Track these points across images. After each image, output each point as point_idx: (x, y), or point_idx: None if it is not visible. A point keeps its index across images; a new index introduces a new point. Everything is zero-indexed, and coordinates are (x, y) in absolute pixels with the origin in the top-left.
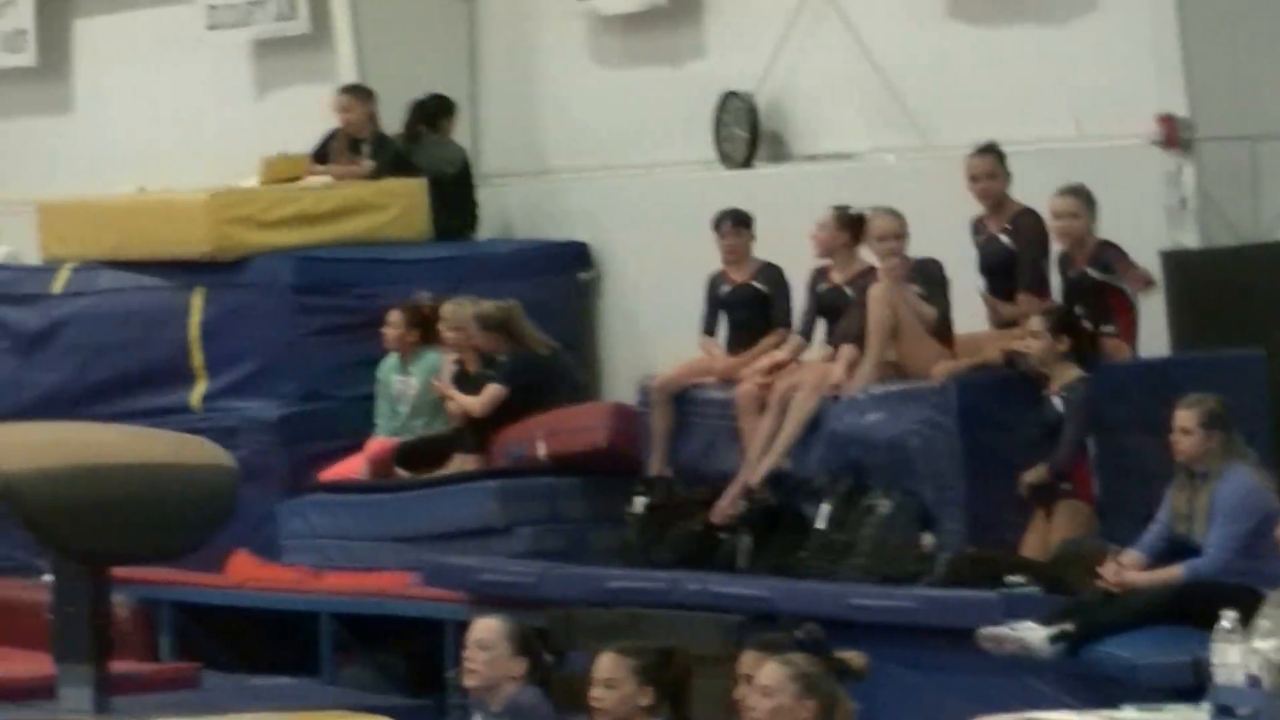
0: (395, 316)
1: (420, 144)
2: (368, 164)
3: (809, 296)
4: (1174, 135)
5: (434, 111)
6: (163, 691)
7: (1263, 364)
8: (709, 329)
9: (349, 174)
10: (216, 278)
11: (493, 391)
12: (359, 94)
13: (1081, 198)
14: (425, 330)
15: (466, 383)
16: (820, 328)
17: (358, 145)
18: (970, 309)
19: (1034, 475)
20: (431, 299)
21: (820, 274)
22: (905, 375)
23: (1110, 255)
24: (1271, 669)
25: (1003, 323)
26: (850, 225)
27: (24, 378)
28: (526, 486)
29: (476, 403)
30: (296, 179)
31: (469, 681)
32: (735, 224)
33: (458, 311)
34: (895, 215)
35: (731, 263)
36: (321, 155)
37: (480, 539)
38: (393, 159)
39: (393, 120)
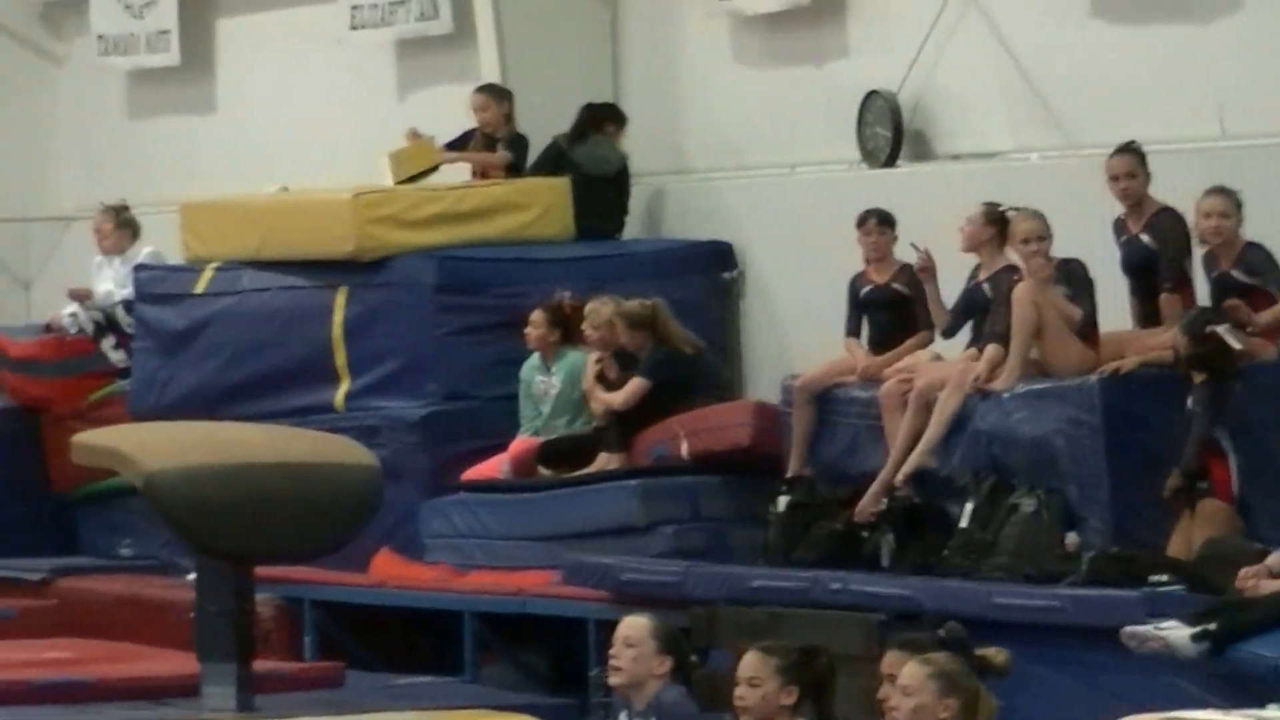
0: (537, 316)
1: (583, 143)
2: (504, 154)
3: (963, 295)
4: None
5: (603, 117)
6: (306, 690)
7: None
8: (852, 330)
9: (484, 161)
10: (359, 277)
11: (635, 385)
12: (495, 93)
13: (1231, 198)
14: (567, 330)
15: (609, 383)
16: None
17: (494, 144)
18: (1113, 308)
19: (1172, 480)
20: (573, 298)
21: (975, 272)
22: (1049, 374)
23: (1257, 256)
24: None
25: (1146, 322)
26: (997, 222)
27: (167, 377)
28: (668, 485)
29: (618, 396)
30: (425, 161)
31: (614, 679)
32: (879, 223)
33: (602, 310)
34: (1038, 216)
35: (874, 263)
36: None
37: (622, 538)
38: (552, 157)
39: (532, 120)
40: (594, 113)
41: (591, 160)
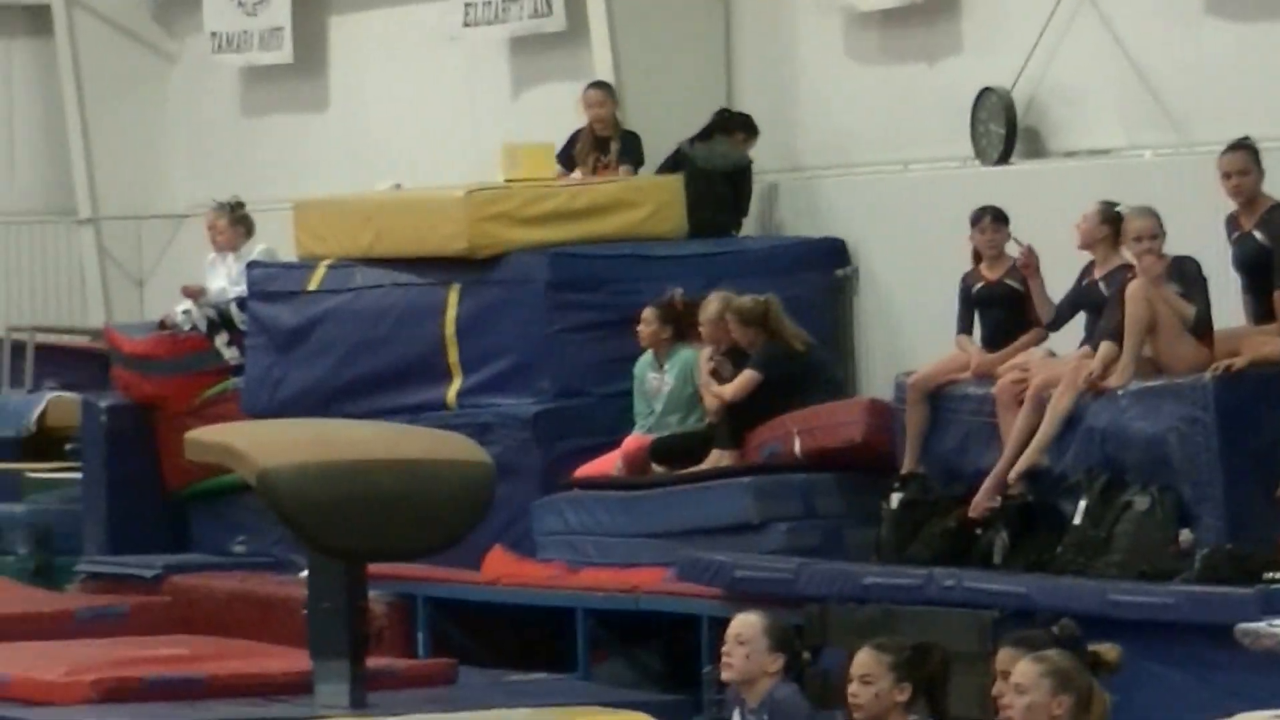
0: (649, 313)
1: (705, 143)
2: (625, 170)
3: (1074, 288)
4: None
5: (735, 125)
6: (419, 688)
7: None
8: (964, 328)
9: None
10: (472, 274)
11: (746, 377)
12: (610, 90)
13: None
14: (680, 327)
15: (722, 380)
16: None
17: (605, 144)
18: (1227, 306)
19: None
20: (685, 295)
21: (1086, 271)
22: (1162, 372)
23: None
24: None
25: (1259, 319)
26: (1111, 220)
27: (280, 374)
28: (782, 483)
29: (729, 388)
30: (540, 168)
31: (726, 676)
32: (994, 220)
33: (712, 306)
34: (1151, 214)
35: (987, 260)
36: (567, 156)
37: (735, 535)
38: (673, 159)
39: (644, 118)
40: (727, 118)
41: (709, 157)
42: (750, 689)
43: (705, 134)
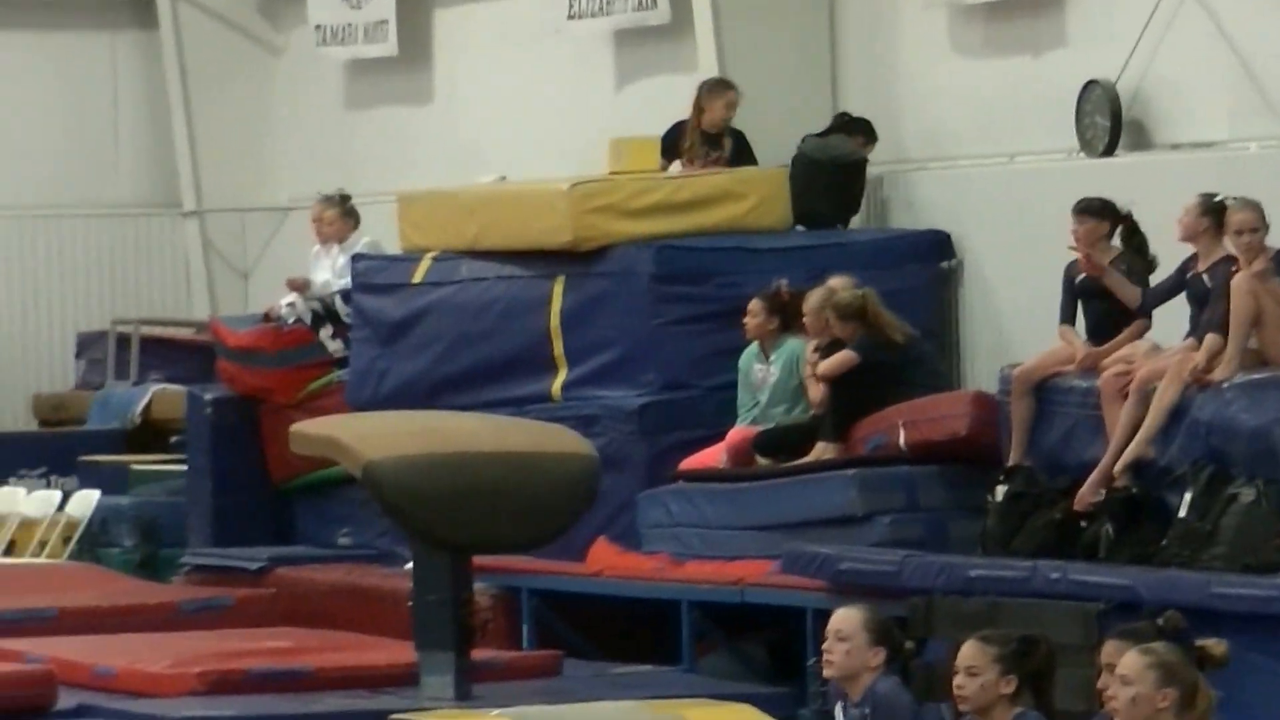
0: (755, 305)
1: (824, 139)
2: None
3: (1174, 276)
4: None
5: (858, 128)
6: (524, 679)
7: None
8: (1066, 317)
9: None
10: (577, 267)
11: (845, 356)
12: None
13: (1258, 210)
14: (785, 319)
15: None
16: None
17: (716, 140)
18: None
19: None
20: (791, 287)
21: (1189, 262)
22: (1267, 364)
23: None
24: None
25: None
26: (1213, 212)
27: (384, 367)
28: (886, 475)
29: (826, 364)
30: (645, 163)
31: (828, 672)
32: (1094, 213)
33: (818, 298)
34: (1254, 206)
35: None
36: (670, 149)
37: (839, 528)
38: (806, 163)
39: (748, 112)
40: (848, 120)
41: (823, 149)
42: (852, 684)
43: (825, 134)
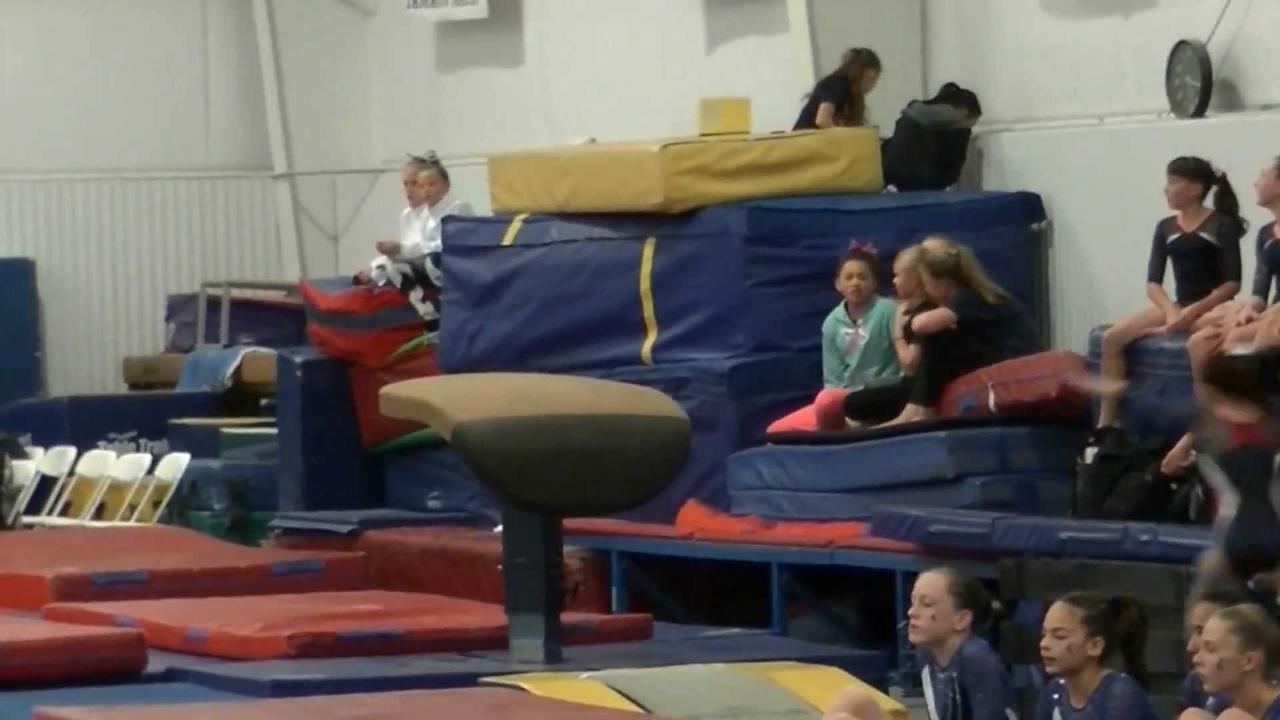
0: (858, 266)
1: (930, 106)
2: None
3: (1258, 255)
4: None
5: (963, 100)
6: (614, 642)
7: None
8: (1154, 275)
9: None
10: (667, 229)
11: (940, 313)
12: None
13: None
14: (876, 280)
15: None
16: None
17: (856, 102)
18: None
19: None
20: (883, 249)
21: (1266, 231)
22: None
23: None
24: None
25: None
26: None
27: (475, 329)
28: (976, 437)
29: (921, 319)
30: (736, 123)
31: (914, 637)
32: (1189, 172)
33: (909, 257)
34: None
35: (1183, 211)
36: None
37: (930, 490)
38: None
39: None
40: (954, 92)
41: (926, 115)
42: (940, 648)
43: (931, 102)
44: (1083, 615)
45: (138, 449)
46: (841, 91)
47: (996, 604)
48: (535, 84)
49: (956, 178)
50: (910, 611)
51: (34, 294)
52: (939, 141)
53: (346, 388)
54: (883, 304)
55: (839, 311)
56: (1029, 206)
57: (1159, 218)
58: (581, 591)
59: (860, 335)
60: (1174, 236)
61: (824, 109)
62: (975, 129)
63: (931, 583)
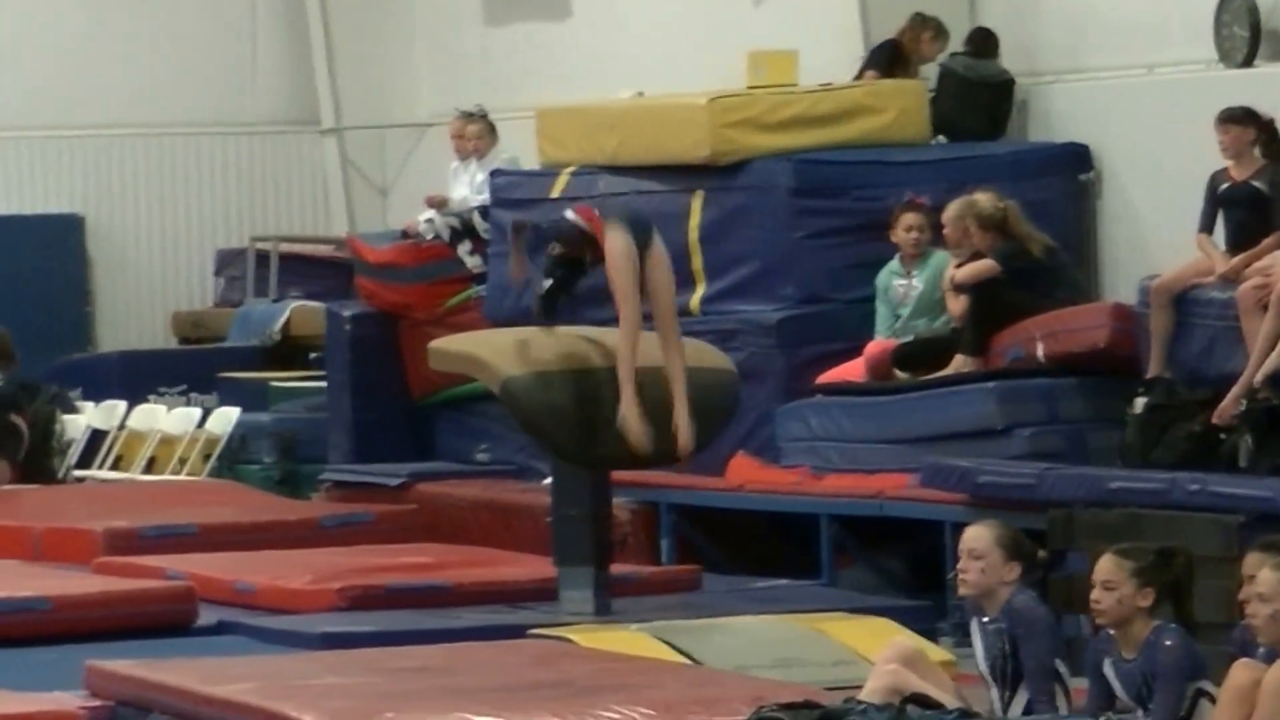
0: (916, 219)
1: (974, 59)
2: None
3: None
4: None
5: (993, 46)
6: (663, 594)
7: None
8: (1205, 226)
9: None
10: (715, 181)
11: (984, 264)
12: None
13: None
14: (927, 232)
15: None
16: None
17: (907, 64)
18: None
19: None
20: (931, 200)
21: None
22: None
23: None
24: None
25: None
26: None
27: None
28: (1025, 388)
29: (964, 270)
30: (783, 76)
31: (963, 590)
32: (1239, 121)
33: (957, 209)
34: None
35: (1235, 161)
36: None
37: (978, 440)
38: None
39: (887, 28)
40: (986, 35)
41: (972, 69)
42: (989, 600)
43: (968, 51)
44: (1132, 567)
45: (187, 403)
46: (888, 58)
47: (1043, 553)
48: (583, 37)
49: (1003, 131)
50: (959, 565)
51: (83, 250)
52: (985, 95)
53: (395, 341)
54: (937, 256)
55: (894, 264)
56: (1076, 157)
57: (1207, 168)
58: (630, 543)
59: (914, 287)
60: (1225, 186)
61: (868, 77)
62: (1023, 80)
63: (979, 536)
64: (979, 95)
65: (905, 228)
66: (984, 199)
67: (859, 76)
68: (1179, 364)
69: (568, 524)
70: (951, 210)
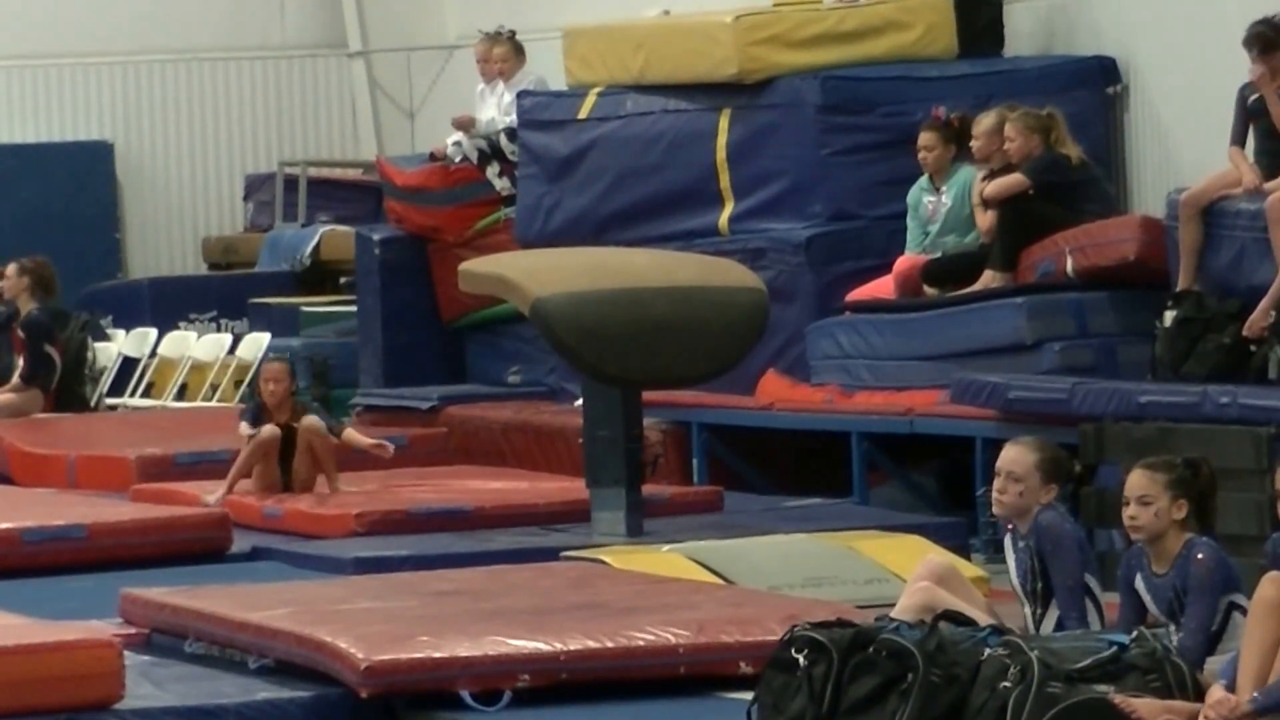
0: (930, 138)
1: None
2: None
3: None
4: None
5: None
6: (689, 515)
7: None
8: (1237, 139)
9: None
10: (742, 99)
11: (1014, 179)
12: None
13: None
14: (938, 149)
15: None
16: None
17: None
18: None
19: None
20: (960, 115)
21: None
22: None
23: None
24: None
25: None
26: None
27: (551, 203)
28: (1055, 302)
29: (994, 185)
30: None
31: (997, 510)
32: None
33: (991, 120)
34: None
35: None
36: None
37: (1008, 356)
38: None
39: None
40: None
41: None
42: (1023, 519)
43: None
44: (1165, 480)
45: (218, 329)
46: None
47: (1077, 467)
48: None
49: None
50: (996, 486)
51: (113, 176)
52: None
53: (425, 264)
54: (965, 171)
55: (923, 180)
56: (1104, 70)
57: (1234, 80)
58: (662, 464)
59: (942, 202)
60: (1255, 97)
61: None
62: None
63: (1019, 460)
64: (982, 6)
65: (924, 148)
66: (1024, 109)
67: None
68: (1208, 276)
69: (599, 445)
70: (983, 122)
